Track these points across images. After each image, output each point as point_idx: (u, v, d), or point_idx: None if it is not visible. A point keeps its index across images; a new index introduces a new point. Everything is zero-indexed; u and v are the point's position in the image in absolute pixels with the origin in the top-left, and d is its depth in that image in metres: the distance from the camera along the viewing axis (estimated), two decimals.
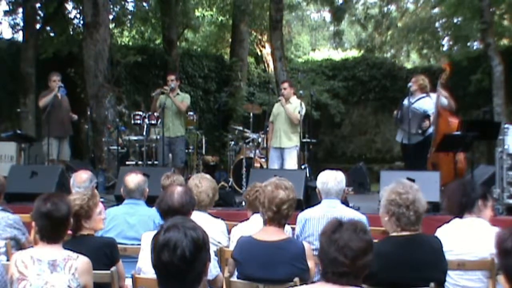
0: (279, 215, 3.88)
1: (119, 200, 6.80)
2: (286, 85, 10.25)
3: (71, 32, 16.34)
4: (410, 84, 9.09)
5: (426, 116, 8.87)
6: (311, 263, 3.88)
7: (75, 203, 4.03)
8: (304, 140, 10.92)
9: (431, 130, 9.00)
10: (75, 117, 10.57)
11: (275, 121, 10.11)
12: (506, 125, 7.74)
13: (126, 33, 19.64)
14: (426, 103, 9.00)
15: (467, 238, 4.23)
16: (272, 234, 3.87)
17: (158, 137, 10.67)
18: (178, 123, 10.45)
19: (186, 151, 12.09)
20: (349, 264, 2.62)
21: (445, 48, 19.09)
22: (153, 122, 10.78)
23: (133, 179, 5.21)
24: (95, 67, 12.55)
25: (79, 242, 4.02)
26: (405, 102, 9.01)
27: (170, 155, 10.57)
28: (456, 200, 4.37)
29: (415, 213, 3.57)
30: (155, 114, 10.68)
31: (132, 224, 4.96)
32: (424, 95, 9.10)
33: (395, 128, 10.02)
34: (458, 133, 8.45)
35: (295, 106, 9.87)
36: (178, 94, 10.51)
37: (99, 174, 10.69)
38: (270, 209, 3.87)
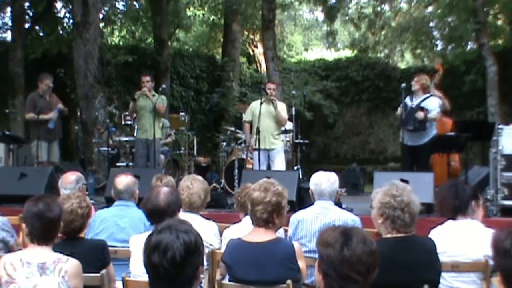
0: (265, 218, 3.86)
1: (109, 202, 6.79)
2: (274, 85, 10.18)
3: (61, 32, 16.29)
4: (413, 83, 9.06)
5: (420, 108, 8.82)
6: (302, 263, 3.87)
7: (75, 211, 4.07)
8: (297, 141, 10.94)
9: (435, 131, 8.98)
10: (66, 110, 10.44)
11: (260, 121, 9.76)
12: (500, 126, 7.75)
13: (116, 32, 19.60)
14: (433, 103, 8.96)
15: (461, 240, 4.23)
16: (261, 235, 3.86)
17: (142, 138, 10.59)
18: (156, 125, 10.28)
19: (178, 152, 12.09)
20: (363, 280, 2.56)
21: (439, 48, 19.12)
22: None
23: (123, 181, 5.20)
24: (85, 67, 12.52)
25: (70, 244, 4.02)
26: (408, 102, 8.97)
27: (162, 156, 10.54)
28: (449, 203, 4.37)
29: (410, 215, 3.57)
30: (132, 115, 10.65)
31: (122, 226, 4.94)
32: (428, 94, 9.07)
33: (388, 129, 10.09)
34: (452, 134, 8.48)
35: (282, 107, 9.89)
36: (154, 95, 10.33)
37: (89, 176, 10.66)
38: (258, 212, 3.87)
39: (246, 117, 10.32)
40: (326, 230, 2.72)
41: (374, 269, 2.59)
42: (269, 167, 9.87)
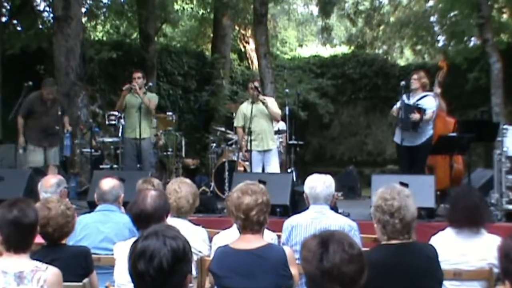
0: (249, 222, 3.86)
1: (92, 207, 6.76)
2: (256, 83, 10.15)
3: (40, 26, 16.21)
4: (411, 81, 9.06)
5: (416, 108, 8.83)
6: (294, 270, 3.86)
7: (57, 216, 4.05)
8: (291, 142, 10.94)
9: (431, 131, 9.00)
10: (69, 128, 10.41)
11: (253, 122, 9.80)
12: (505, 126, 7.78)
13: (100, 27, 19.59)
14: (429, 102, 8.98)
15: (463, 246, 4.24)
16: (250, 242, 3.85)
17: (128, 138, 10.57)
18: (145, 124, 10.27)
19: (165, 154, 12.07)
20: None
21: (440, 44, 19.16)
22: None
23: (107, 184, 5.19)
24: (66, 64, 12.49)
25: (51, 251, 4.00)
26: (406, 100, 8.96)
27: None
28: (469, 214, 4.31)
29: (401, 221, 3.53)
30: (117, 113, 10.65)
31: (105, 232, 4.92)
32: (426, 93, 9.09)
33: (387, 129, 10.08)
34: (454, 134, 8.50)
35: (272, 103, 9.90)
36: (145, 93, 10.37)
37: (71, 179, 10.65)
38: (238, 217, 3.86)
39: (238, 122, 10.23)
40: (305, 243, 2.68)
41: (360, 275, 2.55)
42: (263, 169, 9.87)
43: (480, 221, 4.30)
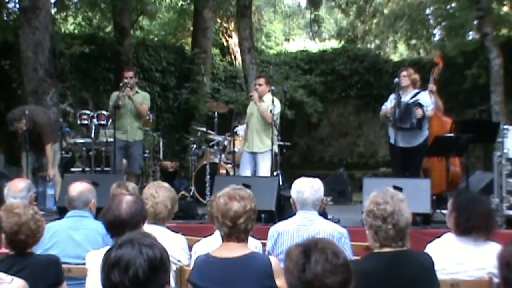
0: (236, 230, 3.85)
1: (62, 213, 6.73)
2: (262, 80, 10.25)
3: (5, 18, 16.12)
4: (400, 78, 9.08)
5: (417, 104, 8.87)
6: (280, 281, 3.84)
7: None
8: (277, 143, 10.94)
9: (427, 132, 9.04)
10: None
11: (249, 122, 10.19)
12: (506, 126, 7.79)
13: (71, 19, 19.48)
14: (425, 98, 9.01)
15: (462, 255, 4.25)
16: (233, 250, 3.83)
17: (110, 140, 10.57)
18: (136, 126, 10.33)
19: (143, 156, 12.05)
20: None
21: (436, 39, 19.26)
22: (102, 122, 10.70)
23: (77, 188, 5.17)
24: (34, 58, 12.42)
25: (17, 261, 3.97)
26: (402, 98, 8.98)
27: (125, 160, 10.49)
28: (482, 222, 4.31)
29: (394, 227, 3.53)
30: (105, 113, 10.62)
31: (77, 240, 4.90)
32: (418, 90, 9.12)
33: (379, 130, 10.08)
34: (451, 135, 8.53)
35: (268, 104, 9.89)
36: (137, 92, 10.41)
37: (39, 183, 10.57)
38: (225, 224, 3.85)
39: (246, 118, 10.53)
40: (288, 252, 2.68)
41: (347, 286, 2.54)
42: (255, 172, 9.93)
43: (492, 229, 4.32)
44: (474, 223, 4.26)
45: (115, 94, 10.26)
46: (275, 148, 9.99)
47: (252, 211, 3.90)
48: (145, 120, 11.66)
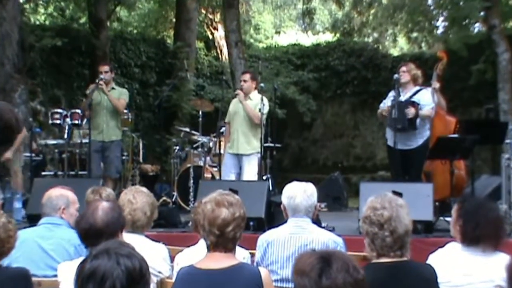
0: (223, 239, 3.84)
1: (33, 221, 6.71)
2: (247, 76, 10.25)
3: None
4: (400, 74, 9.10)
5: (410, 102, 8.88)
6: None
7: None
8: (267, 144, 10.94)
9: (428, 132, 9.05)
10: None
11: (232, 121, 10.14)
12: None
13: (41, 9, 19.42)
14: (425, 97, 9.03)
15: (468, 266, 4.25)
16: (219, 261, 3.83)
17: (84, 141, 10.55)
18: (113, 125, 10.33)
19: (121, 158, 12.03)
20: None
21: (439, 31, 19.29)
22: (76, 122, 10.68)
23: (49, 193, 5.15)
24: (1, 52, 12.38)
25: None
26: (398, 97, 8.99)
27: (102, 164, 10.48)
28: (492, 231, 4.31)
29: (391, 234, 3.54)
30: (79, 111, 10.60)
31: (47, 250, 4.88)
32: (418, 87, 9.14)
33: (378, 130, 10.08)
34: (455, 135, 8.54)
35: (256, 103, 9.88)
36: (113, 88, 10.41)
37: (6, 188, 10.52)
38: (212, 233, 3.84)
39: (226, 117, 10.46)
40: (303, 255, 2.71)
41: None
42: (239, 175, 9.92)
43: (501, 238, 4.32)
44: (483, 232, 4.25)
45: (92, 86, 10.25)
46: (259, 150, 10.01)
47: (241, 218, 3.90)
48: (123, 120, 11.65)
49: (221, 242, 3.84)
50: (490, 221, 4.27)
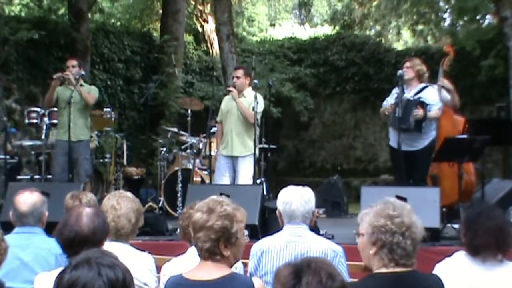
0: (209, 246, 3.84)
1: (7, 229, 6.70)
2: (240, 72, 10.25)
3: None
4: (404, 70, 9.10)
5: (419, 103, 8.87)
6: None
7: None
8: (261, 146, 10.95)
9: (434, 132, 9.05)
10: None
11: (225, 121, 10.13)
12: None
13: (16, 0, 19.40)
14: (431, 95, 9.02)
15: (477, 277, 4.26)
16: (209, 271, 3.83)
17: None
18: (82, 123, 10.25)
19: (101, 160, 12.00)
20: None
21: (446, 24, 19.35)
22: (55, 121, 10.68)
23: (26, 200, 5.14)
24: None
25: None
26: (404, 94, 8.98)
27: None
28: (497, 238, 4.32)
29: (412, 241, 3.55)
30: (53, 108, 10.60)
31: (25, 260, 4.88)
32: (424, 84, 9.13)
33: (380, 130, 10.07)
34: (464, 136, 8.55)
35: (250, 101, 9.88)
36: (81, 85, 10.33)
37: None
38: (198, 238, 3.84)
39: (218, 116, 10.46)
40: (280, 268, 2.73)
41: None
42: (234, 179, 9.91)
43: (507, 247, 4.32)
44: (482, 241, 4.28)
45: (58, 75, 10.22)
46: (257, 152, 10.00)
47: (236, 227, 3.90)
48: (105, 119, 11.63)
49: (209, 249, 3.83)
50: (490, 230, 4.28)
